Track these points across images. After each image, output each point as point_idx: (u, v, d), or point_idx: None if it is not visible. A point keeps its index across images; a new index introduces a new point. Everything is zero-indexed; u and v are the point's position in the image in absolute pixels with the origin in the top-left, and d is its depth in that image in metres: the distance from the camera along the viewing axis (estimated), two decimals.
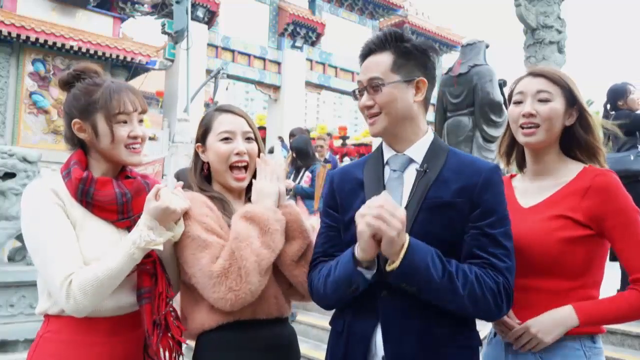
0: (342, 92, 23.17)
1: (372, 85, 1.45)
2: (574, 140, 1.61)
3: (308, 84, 21.59)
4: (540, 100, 1.58)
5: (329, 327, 1.57)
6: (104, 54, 14.42)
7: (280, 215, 1.58)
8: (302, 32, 20.97)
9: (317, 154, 7.77)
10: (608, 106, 4.72)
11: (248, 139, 1.71)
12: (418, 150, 1.47)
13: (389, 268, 1.28)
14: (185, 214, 1.55)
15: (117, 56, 14.75)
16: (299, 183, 5.98)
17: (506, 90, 3.76)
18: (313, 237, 1.65)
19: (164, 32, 17.76)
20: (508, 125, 1.72)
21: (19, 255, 4.30)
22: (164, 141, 16.09)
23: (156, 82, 20.90)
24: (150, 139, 16.09)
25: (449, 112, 7.13)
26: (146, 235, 1.44)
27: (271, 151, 12.53)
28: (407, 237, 1.28)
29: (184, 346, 1.58)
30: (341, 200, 1.54)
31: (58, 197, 1.49)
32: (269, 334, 1.60)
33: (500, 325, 1.56)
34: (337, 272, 1.39)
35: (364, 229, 1.25)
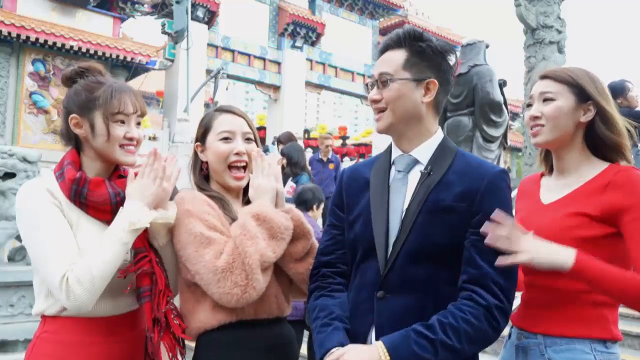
0: (342, 92, 23.16)
1: (382, 80, 1.46)
2: (596, 137, 1.57)
3: (308, 84, 21.58)
4: (545, 101, 1.59)
5: None
6: (104, 54, 14.41)
7: (290, 223, 1.59)
8: (302, 32, 20.96)
9: (320, 154, 7.76)
10: None
11: (247, 139, 1.72)
12: (424, 151, 1.46)
13: None
14: (187, 212, 1.55)
15: (117, 56, 14.74)
16: None
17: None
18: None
19: (164, 32, 17.75)
20: None
21: (19, 255, 4.30)
22: (164, 141, 16.07)
23: (156, 82, 20.89)
24: (150, 139, 16.10)
25: (449, 112, 7.14)
26: (130, 216, 1.45)
27: (265, 150, 12.52)
28: (380, 345, 1.28)
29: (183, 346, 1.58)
30: (347, 199, 1.55)
31: (54, 197, 1.49)
32: (270, 333, 1.60)
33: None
34: (318, 333, 1.42)
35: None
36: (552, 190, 1.63)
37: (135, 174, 1.55)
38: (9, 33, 13.15)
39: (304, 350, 3.79)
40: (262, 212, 1.54)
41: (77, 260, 1.42)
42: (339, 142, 20.67)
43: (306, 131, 17.37)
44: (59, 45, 13.74)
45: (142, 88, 18.80)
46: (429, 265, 1.36)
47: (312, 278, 1.57)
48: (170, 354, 1.52)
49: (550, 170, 1.70)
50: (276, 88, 20.79)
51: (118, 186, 1.56)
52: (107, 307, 1.51)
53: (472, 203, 1.35)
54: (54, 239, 1.44)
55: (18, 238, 4.22)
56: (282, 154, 5.68)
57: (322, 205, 4.26)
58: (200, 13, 18.18)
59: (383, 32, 22.54)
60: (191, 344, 1.61)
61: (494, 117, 6.77)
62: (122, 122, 1.56)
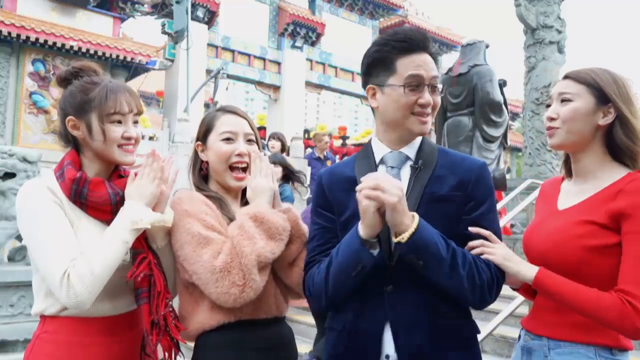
0: (342, 92, 23.14)
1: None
2: (613, 142, 1.51)
3: (308, 84, 21.57)
4: (563, 101, 1.54)
5: None
6: (104, 54, 14.41)
7: (287, 224, 1.59)
8: (302, 32, 20.95)
9: (317, 151, 7.74)
10: None
11: (249, 140, 1.72)
12: (412, 148, 1.52)
13: (398, 239, 1.32)
14: (185, 212, 1.55)
15: (117, 56, 14.74)
16: None
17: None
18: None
19: (164, 32, 17.74)
20: None
21: (19, 255, 4.30)
22: (164, 141, 16.06)
23: (156, 82, 20.89)
24: (150, 139, 16.09)
25: (449, 112, 7.14)
26: (132, 215, 1.45)
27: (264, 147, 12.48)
28: (415, 213, 1.34)
29: (182, 346, 1.58)
30: (334, 200, 1.53)
31: (55, 196, 1.49)
32: (269, 333, 1.60)
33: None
34: (340, 257, 1.39)
35: (368, 203, 1.29)
36: (569, 195, 1.59)
37: (135, 175, 1.55)
38: (9, 33, 13.15)
39: (304, 350, 3.79)
40: (260, 213, 1.54)
41: (78, 257, 1.42)
42: (339, 142, 20.67)
43: (306, 131, 17.34)
44: (59, 45, 13.74)
45: (142, 88, 18.83)
46: None
47: (308, 270, 1.56)
48: (166, 354, 1.52)
49: (570, 174, 1.64)
50: (276, 88, 20.78)
51: (118, 186, 1.56)
52: (106, 307, 1.51)
53: (465, 192, 1.46)
54: (55, 237, 1.44)
55: (18, 238, 4.22)
56: (277, 162, 5.11)
57: None
58: (200, 13, 18.17)
59: (383, 32, 22.40)
60: (190, 344, 1.61)
61: (494, 117, 6.77)
62: (119, 122, 1.55)
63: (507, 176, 8.65)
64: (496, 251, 1.45)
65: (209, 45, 18.84)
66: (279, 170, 4.53)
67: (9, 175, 4.09)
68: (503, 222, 4.37)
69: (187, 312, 1.59)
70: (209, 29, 18.85)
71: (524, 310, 3.74)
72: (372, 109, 1.56)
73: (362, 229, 1.34)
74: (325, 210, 1.55)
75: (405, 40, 1.46)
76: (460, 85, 6.89)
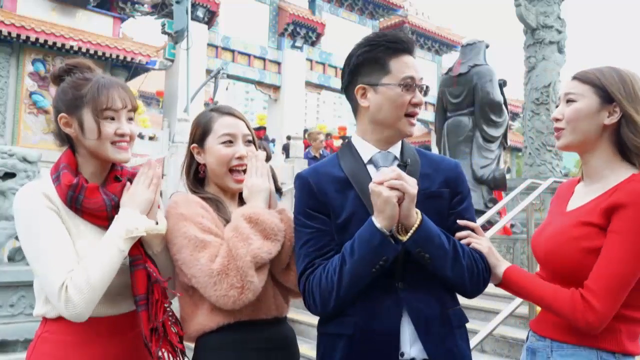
0: (342, 92, 23.15)
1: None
2: (622, 141, 1.48)
3: (308, 84, 21.59)
4: (568, 102, 1.53)
5: None
6: (104, 54, 14.42)
7: (282, 225, 1.58)
8: (302, 32, 20.96)
9: (312, 150, 7.72)
10: None
11: (247, 141, 1.72)
12: (397, 148, 1.58)
13: (406, 237, 1.37)
14: (181, 216, 1.55)
15: (117, 56, 14.75)
16: None
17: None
18: None
19: (164, 32, 17.76)
20: None
21: (19, 255, 4.30)
22: (164, 141, 16.07)
23: (156, 82, 20.90)
24: (150, 139, 16.10)
25: (449, 112, 7.13)
26: (127, 224, 1.44)
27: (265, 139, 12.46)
28: (418, 210, 1.40)
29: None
30: (328, 201, 1.50)
31: (51, 202, 1.47)
32: (269, 334, 1.60)
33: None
34: (358, 254, 1.37)
35: (390, 194, 1.32)
36: (578, 197, 1.58)
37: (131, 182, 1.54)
38: (9, 33, 13.16)
39: (304, 350, 3.78)
40: (255, 213, 1.53)
41: (75, 268, 1.41)
42: (338, 142, 20.65)
43: (306, 131, 17.34)
44: (59, 45, 13.75)
45: (142, 88, 18.83)
46: None
47: (309, 275, 1.50)
48: (171, 357, 1.52)
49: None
50: (276, 88, 20.79)
51: (112, 192, 1.53)
52: (107, 308, 1.50)
53: (452, 188, 1.56)
54: (51, 247, 1.42)
55: (18, 238, 4.21)
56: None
57: None
58: (200, 13, 18.18)
59: None
60: (190, 345, 1.61)
61: (494, 117, 6.76)
62: (112, 118, 1.51)
63: (507, 176, 8.64)
64: (482, 242, 1.53)
65: (209, 45, 18.85)
66: None
67: (9, 175, 4.09)
68: (503, 222, 4.37)
69: (187, 315, 1.59)
70: (209, 29, 18.86)
71: (524, 310, 3.74)
72: (356, 108, 1.57)
73: (381, 222, 1.35)
74: (318, 213, 1.50)
75: (397, 41, 1.50)
76: (460, 85, 6.89)
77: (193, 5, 16.33)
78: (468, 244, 1.51)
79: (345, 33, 21.98)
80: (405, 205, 1.35)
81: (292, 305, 1.77)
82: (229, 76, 18.96)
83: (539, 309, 1.59)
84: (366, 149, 1.55)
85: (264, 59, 20.37)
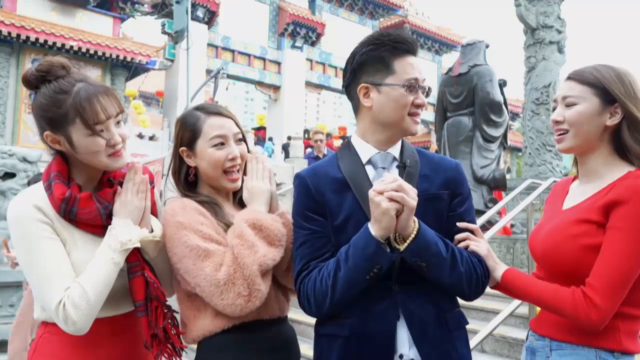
0: (342, 92, 23.15)
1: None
2: (621, 141, 1.47)
3: (308, 84, 21.60)
4: (567, 105, 1.51)
5: None
6: (103, 54, 14.42)
7: (284, 230, 1.56)
8: (302, 32, 20.97)
9: (315, 150, 7.72)
10: None
11: (238, 140, 1.67)
12: (397, 149, 1.55)
13: (403, 247, 1.35)
14: (180, 224, 1.52)
15: (117, 56, 14.75)
16: None
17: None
18: None
19: (164, 32, 17.78)
20: None
21: None
22: (164, 141, 16.09)
23: (156, 82, 20.91)
24: (150, 139, 16.11)
25: (449, 112, 7.14)
26: (120, 236, 1.42)
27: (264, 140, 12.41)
28: (416, 219, 1.36)
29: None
30: (325, 202, 1.49)
31: (44, 214, 1.43)
32: (272, 334, 1.59)
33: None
34: (352, 261, 1.36)
35: (389, 206, 1.29)
36: (574, 195, 1.57)
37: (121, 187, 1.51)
38: (9, 33, 13.17)
39: (304, 350, 3.78)
40: (258, 220, 1.52)
41: (71, 286, 1.40)
42: (338, 142, 20.68)
43: (306, 131, 17.34)
44: (59, 45, 13.76)
45: (142, 88, 18.84)
46: None
47: (304, 278, 1.50)
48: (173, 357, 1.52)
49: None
50: (276, 88, 20.80)
51: (105, 198, 1.50)
52: (108, 309, 1.50)
53: (451, 189, 1.53)
54: (47, 264, 1.40)
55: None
56: None
57: None
58: (200, 13, 18.20)
59: None
60: (192, 346, 1.60)
61: (494, 117, 6.77)
62: (101, 130, 1.45)
63: (507, 176, 8.65)
64: (481, 244, 1.51)
65: (209, 45, 18.86)
66: None
67: (9, 175, 4.10)
68: (503, 222, 4.37)
69: (189, 319, 1.57)
70: (209, 29, 18.87)
71: (524, 310, 3.74)
72: (357, 107, 1.55)
73: (377, 231, 1.32)
74: (315, 214, 1.49)
75: (402, 41, 1.48)
76: (460, 85, 6.89)
77: (193, 5, 16.33)
78: (466, 247, 1.49)
79: (345, 33, 22.00)
80: (403, 217, 1.32)
81: (292, 305, 1.76)
82: (229, 76, 18.96)
83: (538, 308, 1.59)
84: (365, 150, 1.54)
85: (264, 59, 20.38)
